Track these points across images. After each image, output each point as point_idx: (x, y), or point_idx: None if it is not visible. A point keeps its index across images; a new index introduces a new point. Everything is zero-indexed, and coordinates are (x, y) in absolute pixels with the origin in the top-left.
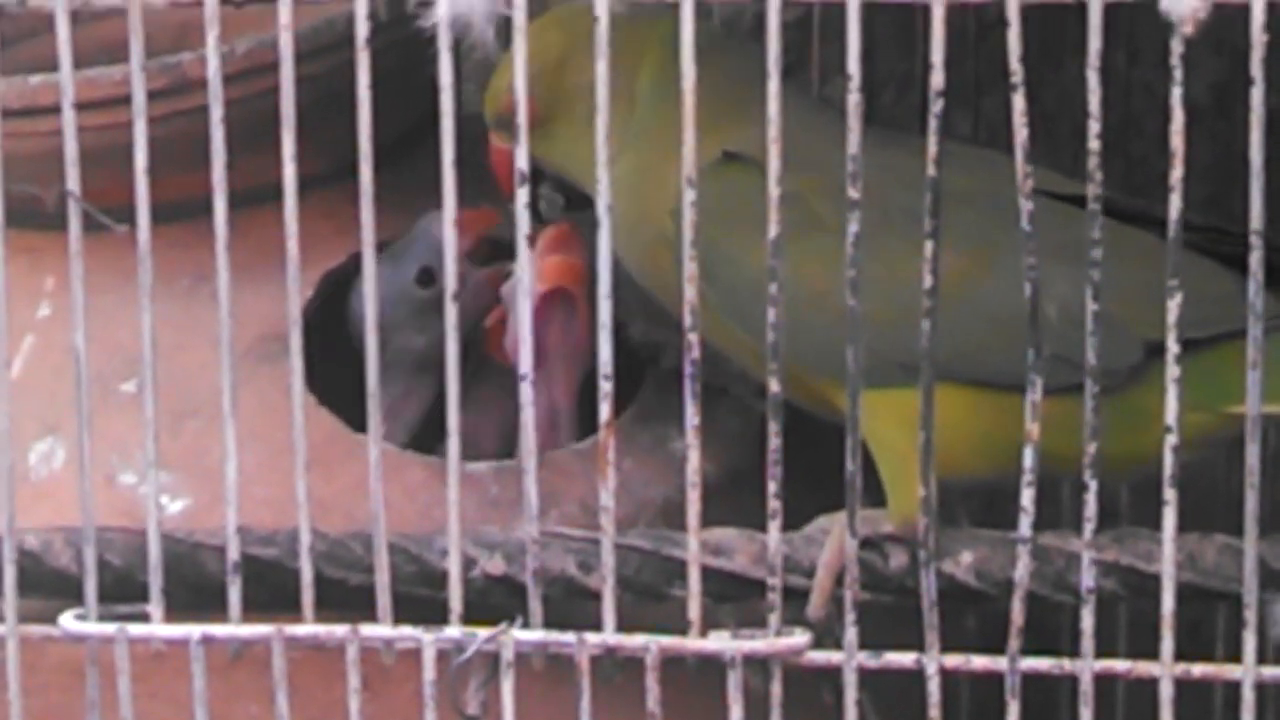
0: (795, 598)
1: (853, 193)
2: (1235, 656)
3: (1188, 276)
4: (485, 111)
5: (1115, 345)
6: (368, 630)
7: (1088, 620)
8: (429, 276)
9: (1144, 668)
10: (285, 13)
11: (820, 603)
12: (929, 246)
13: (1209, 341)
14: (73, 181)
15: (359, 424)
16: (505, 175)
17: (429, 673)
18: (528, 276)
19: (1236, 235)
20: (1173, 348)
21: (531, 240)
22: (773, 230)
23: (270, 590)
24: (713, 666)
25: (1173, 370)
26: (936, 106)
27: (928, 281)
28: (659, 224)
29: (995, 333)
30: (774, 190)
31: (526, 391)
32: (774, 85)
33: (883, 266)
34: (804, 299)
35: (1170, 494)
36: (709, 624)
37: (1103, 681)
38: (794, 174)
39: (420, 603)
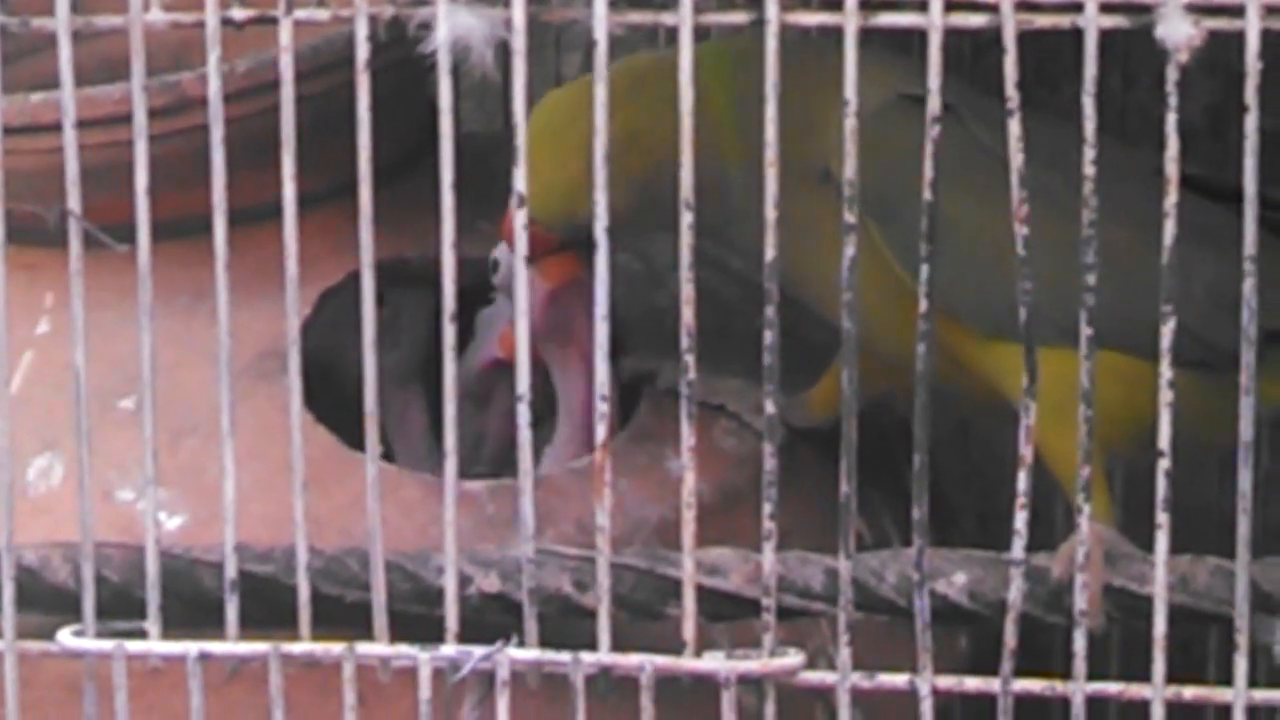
0: (789, 617)
1: (849, 217)
2: (1227, 677)
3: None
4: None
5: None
6: (364, 648)
7: (1080, 643)
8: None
9: (1136, 690)
10: (286, 35)
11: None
12: (924, 271)
13: None
14: (74, 201)
15: (355, 441)
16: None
17: (425, 691)
18: (524, 299)
19: None
20: (1166, 373)
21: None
22: (769, 252)
23: (266, 606)
24: (707, 686)
25: (1166, 395)
26: (934, 131)
27: (923, 322)
28: (822, 160)
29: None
30: (771, 215)
31: (524, 413)
32: (771, 109)
33: (1049, 232)
34: (984, 252)
35: (1163, 518)
36: (704, 643)
37: (1095, 702)
38: (986, 129)
39: (416, 620)
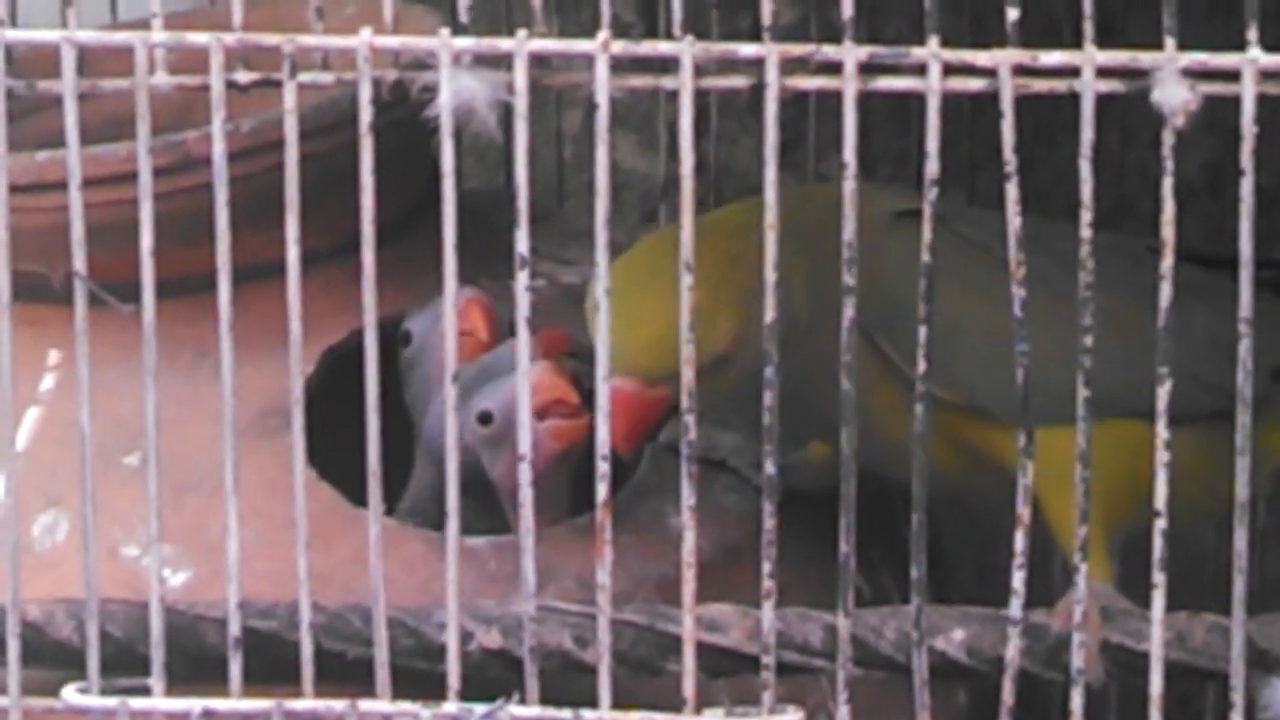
0: (788, 674)
1: (848, 279)
2: None
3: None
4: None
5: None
6: (366, 705)
7: (1077, 700)
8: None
9: None
10: (290, 98)
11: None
12: (923, 331)
13: None
14: (79, 262)
15: (358, 497)
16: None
17: None
18: (526, 362)
19: None
20: (1163, 433)
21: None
22: (769, 314)
23: (269, 662)
24: None
25: (1162, 455)
26: (931, 194)
27: (921, 369)
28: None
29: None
30: (771, 274)
31: (525, 472)
32: (771, 172)
33: (1053, 313)
34: (999, 345)
35: (1159, 577)
36: (704, 700)
37: None
38: (976, 227)
39: (418, 676)
